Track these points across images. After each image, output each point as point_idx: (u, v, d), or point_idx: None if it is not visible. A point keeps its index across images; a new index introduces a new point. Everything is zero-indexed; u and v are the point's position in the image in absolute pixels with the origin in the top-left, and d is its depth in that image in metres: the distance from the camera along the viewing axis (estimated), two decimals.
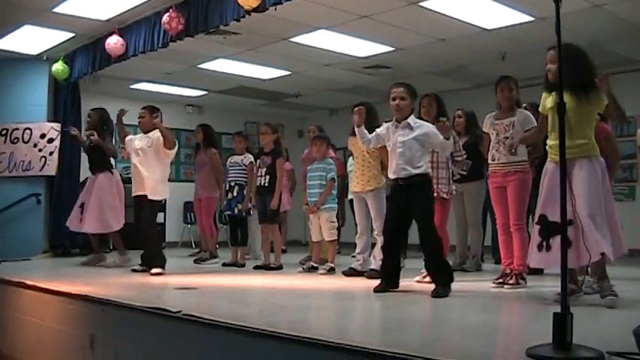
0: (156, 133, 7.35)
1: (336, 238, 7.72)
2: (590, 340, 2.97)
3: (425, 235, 5.37)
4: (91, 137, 8.45)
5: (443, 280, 5.24)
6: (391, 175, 5.59)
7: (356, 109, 5.83)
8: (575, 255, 4.31)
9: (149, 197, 7.26)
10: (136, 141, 7.53)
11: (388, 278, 5.52)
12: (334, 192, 7.72)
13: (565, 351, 2.83)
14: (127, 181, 8.50)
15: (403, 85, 5.64)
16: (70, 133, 9.06)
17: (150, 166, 7.32)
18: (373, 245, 6.97)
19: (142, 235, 7.32)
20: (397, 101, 5.54)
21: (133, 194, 7.45)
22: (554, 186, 4.53)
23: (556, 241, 4.37)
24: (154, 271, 7.04)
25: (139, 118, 7.57)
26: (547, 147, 4.86)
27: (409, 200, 5.40)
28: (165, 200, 7.39)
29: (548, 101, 4.81)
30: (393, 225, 5.59)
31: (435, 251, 5.37)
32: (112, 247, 9.16)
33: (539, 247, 4.58)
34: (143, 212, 7.30)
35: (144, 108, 7.59)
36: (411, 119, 5.55)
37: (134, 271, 7.35)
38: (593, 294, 4.68)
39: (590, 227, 4.29)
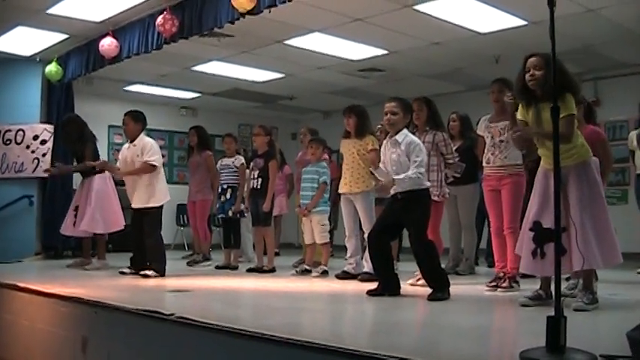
0: (141, 141, 7.29)
1: (328, 240, 7.71)
2: (583, 343, 2.97)
3: (417, 247, 5.37)
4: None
5: (439, 286, 5.24)
6: (392, 192, 5.57)
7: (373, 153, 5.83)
8: (567, 261, 4.31)
9: (149, 206, 7.23)
10: (124, 151, 7.46)
11: (386, 284, 5.48)
12: (326, 195, 7.72)
13: (558, 354, 2.83)
14: (120, 183, 8.47)
15: (396, 100, 5.59)
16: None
17: (140, 178, 7.25)
18: (365, 248, 6.96)
19: (146, 242, 7.19)
20: (389, 116, 5.52)
21: (132, 205, 7.41)
22: (547, 192, 4.52)
23: (551, 249, 4.35)
24: (144, 272, 7.02)
25: (123, 125, 7.49)
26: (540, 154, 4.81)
27: (403, 211, 5.40)
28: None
29: (528, 120, 4.69)
30: (377, 232, 5.60)
31: (428, 261, 5.37)
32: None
33: (534, 254, 4.55)
34: (145, 221, 7.22)
35: (126, 114, 7.47)
36: (400, 135, 5.51)
37: (122, 273, 7.30)
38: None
39: (580, 235, 4.29)
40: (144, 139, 7.33)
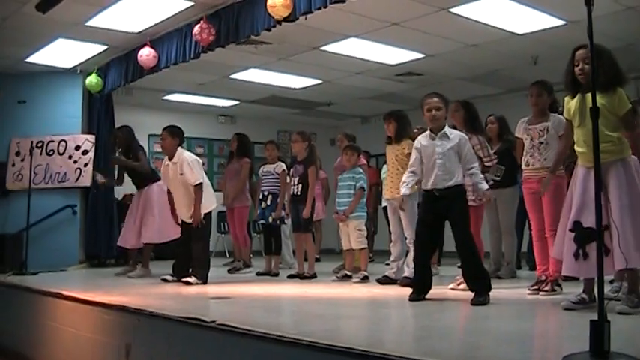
0: (180, 158, 7.27)
1: (365, 246, 7.67)
2: (628, 347, 2.92)
3: (463, 245, 5.32)
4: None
5: (481, 289, 5.19)
6: (428, 187, 5.50)
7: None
8: (610, 261, 4.25)
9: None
10: (166, 168, 7.47)
11: (420, 286, 5.48)
12: (363, 200, 7.70)
13: (602, 359, 2.79)
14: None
15: (438, 95, 5.57)
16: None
17: (186, 192, 7.29)
18: (407, 253, 6.93)
19: (193, 246, 7.26)
20: (433, 112, 5.47)
21: (181, 218, 7.49)
22: (586, 192, 4.47)
23: (593, 249, 4.28)
24: (185, 279, 7.08)
25: (161, 140, 7.51)
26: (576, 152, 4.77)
27: (446, 210, 5.36)
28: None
29: (572, 105, 4.73)
30: (425, 236, 5.56)
31: (473, 260, 5.32)
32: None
33: (576, 256, 4.48)
34: (192, 228, 7.28)
35: (164, 130, 7.47)
36: (447, 130, 5.52)
37: (164, 280, 7.37)
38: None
39: (622, 234, 4.23)
40: (182, 156, 7.30)
